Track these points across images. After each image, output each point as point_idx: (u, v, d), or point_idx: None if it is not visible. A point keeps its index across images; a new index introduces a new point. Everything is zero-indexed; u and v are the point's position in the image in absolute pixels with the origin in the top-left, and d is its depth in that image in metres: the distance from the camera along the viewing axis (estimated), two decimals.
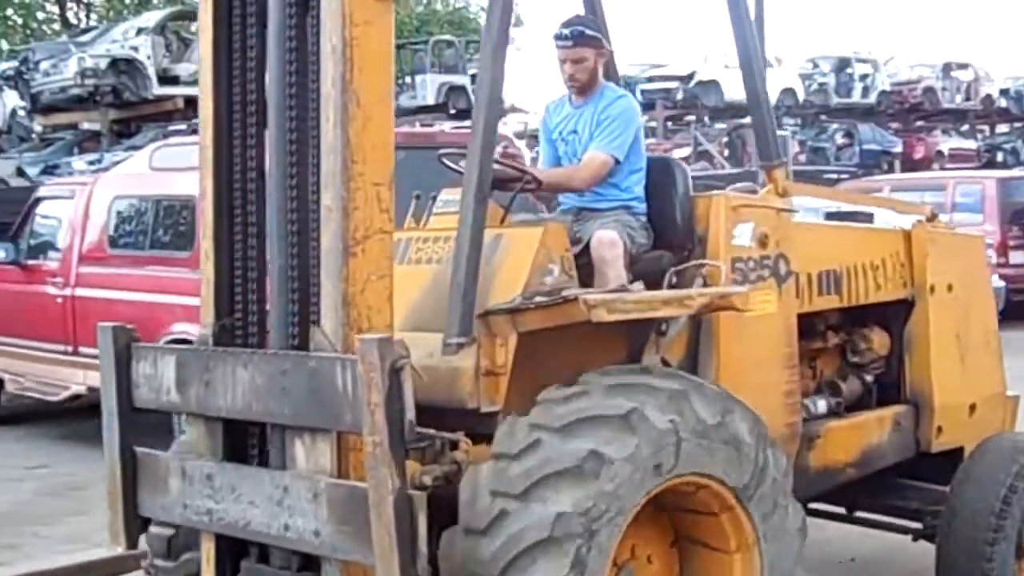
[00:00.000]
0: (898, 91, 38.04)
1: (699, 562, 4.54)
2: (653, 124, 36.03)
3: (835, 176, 28.04)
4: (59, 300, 10.99)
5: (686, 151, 33.52)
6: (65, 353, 10.82)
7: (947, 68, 38.51)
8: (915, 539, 5.91)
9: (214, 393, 4.31)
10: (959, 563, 5.46)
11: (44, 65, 27.13)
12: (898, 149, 35.90)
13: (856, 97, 37.04)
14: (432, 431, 4.30)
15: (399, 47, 34.05)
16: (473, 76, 32.93)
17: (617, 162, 5.12)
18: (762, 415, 5.06)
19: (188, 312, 8.89)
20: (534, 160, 6.37)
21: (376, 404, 3.74)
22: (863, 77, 37.16)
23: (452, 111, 31.74)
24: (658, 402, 4.20)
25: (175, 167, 10.22)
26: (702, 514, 4.46)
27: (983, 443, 5.77)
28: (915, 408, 5.92)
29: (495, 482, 3.97)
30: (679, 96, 35.14)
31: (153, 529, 4.86)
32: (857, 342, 5.89)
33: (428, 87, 31.93)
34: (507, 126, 33.32)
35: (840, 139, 35.58)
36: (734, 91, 34.45)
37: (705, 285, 5.01)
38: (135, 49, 26.72)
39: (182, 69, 26.41)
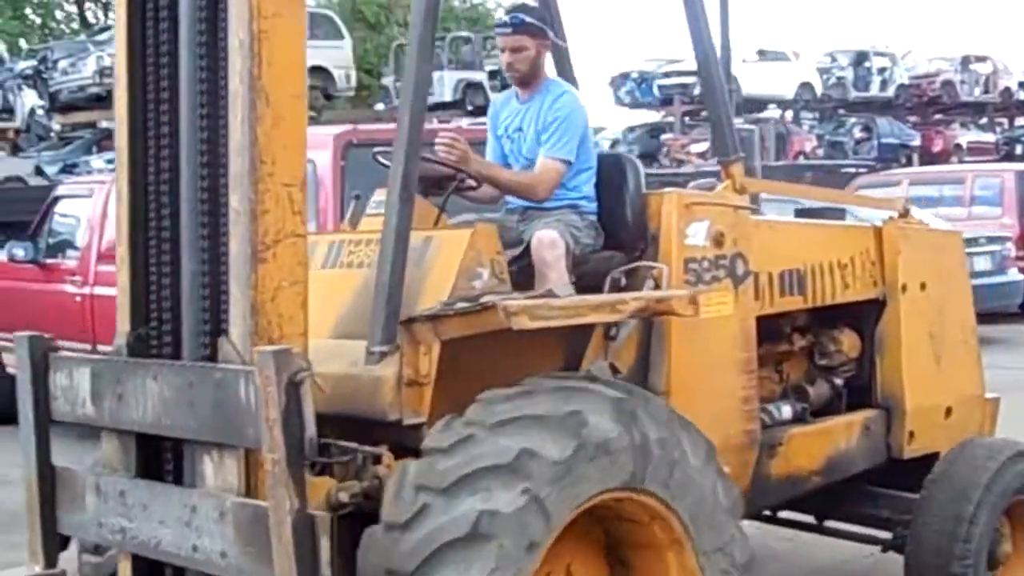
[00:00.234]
0: (916, 84, 37.50)
1: None
2: (671, 119, 35.78)
3: (853, 170, 27.71)
4: (78, 299, 10.85)
5: (704, 146, 33.27)
6: (84, 351, 10.64)
7: (966, 61, 37.96)
8: (884, 550, 5.60)
9: (127, 406, 4.05)
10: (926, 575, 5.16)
11: (63, 64, 27.19)
12: (916, 143, 35.39)
13: (874, 91, 36.56)
14: (354, 445, 4.06)
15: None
16: (491, 73, 32.75)
17: (569, 164, 4.84)
18: (717, 422, 4.84)
19: None
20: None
21: (273, 420, 3.48)
22: (881, 71, 36.67)
23: (470, 108, 31.51)
24: (602, 409, 3.96)
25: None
26: (647, 547, 4.21)
27: (955, 448, 5.46)
28: (886, 412, 5.61)
29: (421, 477, 3.72)
30: (696, 91, 34.54)
31: (84, 556, 4.65)
32: (825, 344, 5.59)
33: (445, 84, 31.64)
34: None
35: (858, 133, 35.15)
36: (751, 85, 34.18)
37: (656, 287, 4.74)
38: None
39: None
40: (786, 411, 5.36)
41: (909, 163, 32.55)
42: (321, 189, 8.77)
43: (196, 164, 3.98)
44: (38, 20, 33.53)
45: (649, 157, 33.18)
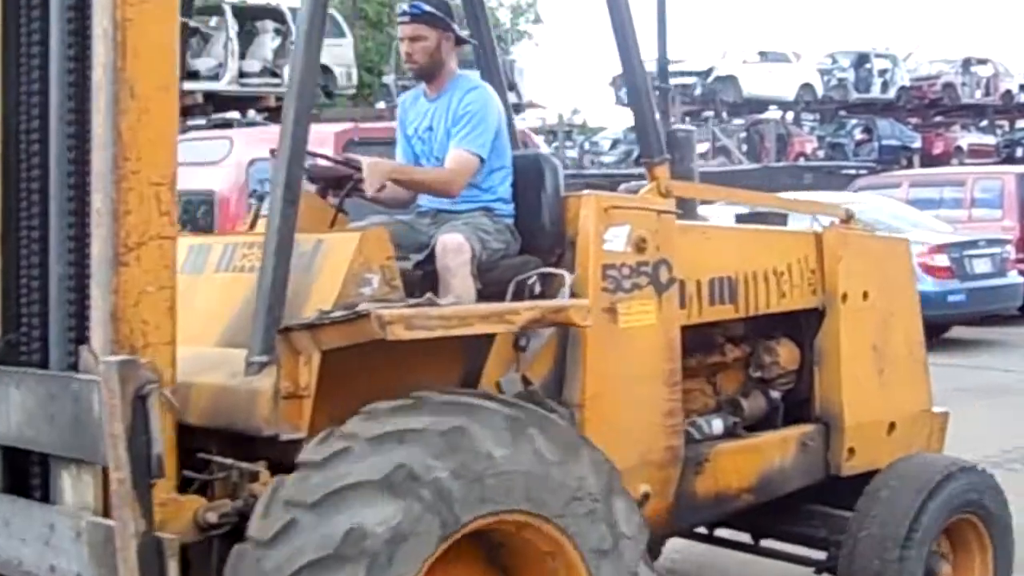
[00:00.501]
0: (917, 86, 37.05)
1: None
2: (672, 119, 35.43)
3: (854, 172, 27.47)
4: None
5: (704, 147, 32.96)
6: None
7: (967, 63, 37.51)
8: (818, 572, 5.27)
9: None
10: None
11: None
12: (917, 145, 34.98)
13: (875, 92, 36.09)
14: (230, 461, 3.79)
15: None
16: None
17: (481, 161, 4.55)
18: (637, 437, 4.58)
19: None
20: None
21: (117, 436, 3.20)
22: (882, 72, 36.22)
23: None
24: (492, 426, 3.69)
25: (194, 161, 9.86)
26: None
27: (890, 465, 5.16)
28: (825, 427, 5.31)
29: (292, 491, 3.45)
30: (697, 91, 34.34)
31: None
32: (761, 355, 5.29)
33: None
34: (525, 122, 32.81)
35: (859, 134, 34.78)
36: (752, 87, 33.88)
37: (572, 295, 4.45)
38: None
39: (201, 64, 26.04)
40: (717, 425, 5.07)
41: (910, 165, 32.19)
42: None
43: (64, 161, 3.72)
44: None
45: None
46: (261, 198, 4.75)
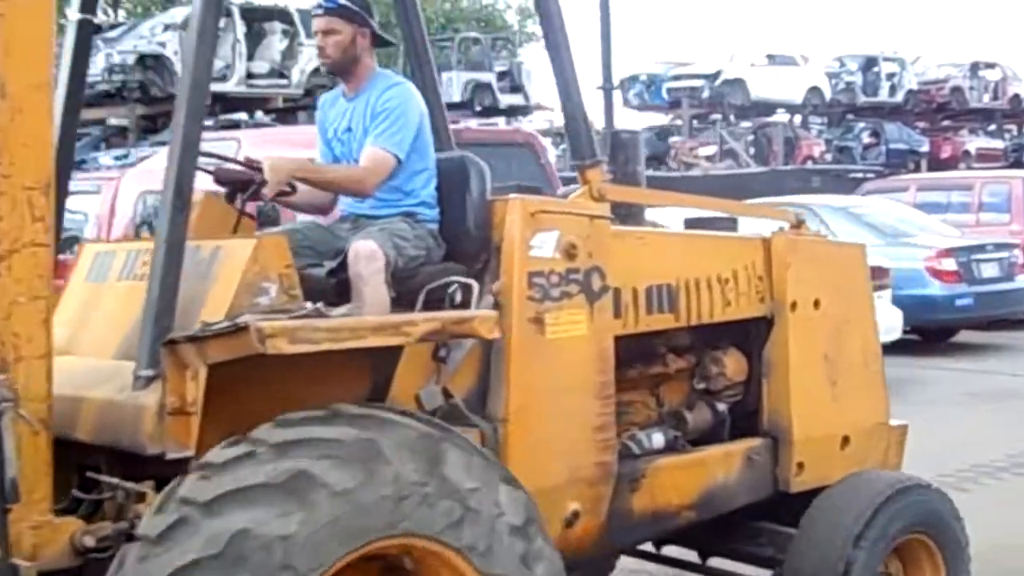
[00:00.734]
0: (925, 90, 36.75)
1: None
2: (679, 122, 35.17)
3: (861, 175, 27.17)
4: None
5: (712, 149, 32.71)
6: None
7: (975, 67, 37.18)
8: None
9: None
10: None
11: None
12: (925, 148, 34.70)
13: (883, 96, 35.81)
14: (116, 480, 3.55)
15: None
16: (499, 73, 32.18)
17: (399, 161, 4.30)
18: (565, 452, 4.32)
19: None
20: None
21: None
22: (890, 76, 35.91)
23: (478, 108, 30.97)
24: (403, 445, 3.48)
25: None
26: None
27: (840, 482, 4.89)
28: (773, 441, 5.02)
29: (188, 489, 3.27)
30: (705, 94, 34.12)
31: None
32: (708, 366, 5.01)
33: (454, 84, 31.07)
34: (532, 124, 32.56)
35: (866, 138, 34.49)
36: (760, 89, 33.61)
37: (496, 304, 4.21)
38: (162, 45, 26.41)
39: None
40: (657, 439, 4.79)
41: (917, 169, 31.90)
42: None
43: None
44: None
45: (657, 160, 32.66)
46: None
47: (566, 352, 4.32)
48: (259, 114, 27.44)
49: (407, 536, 3.48)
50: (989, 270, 14.85)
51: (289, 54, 27.64)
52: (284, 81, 27.36)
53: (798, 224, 5.22)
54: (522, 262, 4.24)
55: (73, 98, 4.27)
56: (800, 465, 5.01)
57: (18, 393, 3.16)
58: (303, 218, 4.72)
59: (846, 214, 15.25)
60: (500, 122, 29.06)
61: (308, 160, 4.43)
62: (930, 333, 15.03)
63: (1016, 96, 37.53)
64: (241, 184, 4.15)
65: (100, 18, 32.48)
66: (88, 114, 26.80)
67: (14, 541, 3.24)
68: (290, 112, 27.17)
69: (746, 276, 4.97)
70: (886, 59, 36.26)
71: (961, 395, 11.60)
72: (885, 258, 12.94)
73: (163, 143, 20.42)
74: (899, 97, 36.02)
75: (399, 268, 4.12)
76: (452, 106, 29.72)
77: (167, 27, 26.66)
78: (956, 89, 36.66)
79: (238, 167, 4.15)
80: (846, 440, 5.17)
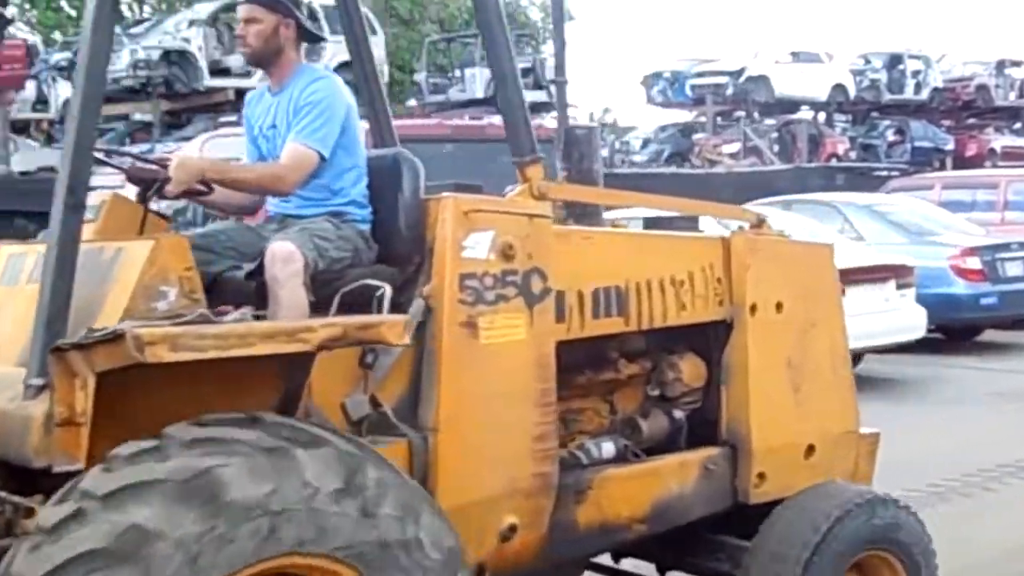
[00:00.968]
0: (951, 88, 36.24)
1: None
2: (703, 119, 34.81)
3: (886, 173, 26.86)
4: None
5: (736, 147, 32.35)
6: None
7: (1001, 65, 36.64)
8: None
9: None
10: None
11: None
12: (950, 146, 34.23)
13: (908, 94, 35.33)
14: (3, 494, 3.33)
15: (448, 40, 33.08)
16: (523, 70, 31.88)
17: (323, 158, 4.06)
18: (501, 463, 4.08)
19: None
20: None
21: None
22: (915, 73, 35.42)
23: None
24: (322, 459, 3.29)
25: (225, 158, 9.56)
26: None
27: (798, 493, 4.62)
28: (732, 450, 4.75)
29: (89, 481, 3.10)
30: (729, 91, 33.70)
31: None
32: (665, 372, 4.74)
33: (477, 80, 30.82)
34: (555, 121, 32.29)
35: (891, 136, 34.06)
36: (784, 87, 33.21)
37: (428, 308, 3.96)
38: (187, 41, 26.42)
39: (233, 61, 25.85)
40: (607, 448, 4.54)
41: (942, 167, 31.48)
42: None
43: None
44: (73, 12, 33.17)
45: (681, 157, 32.35)
46: None
47: (502, 358, 4.07)
48: None
49: (314, 556, 3.26)
50: (1014, 269, 14.61)
51: (312, 50, 27.49)
52: None
53: (759, 223, 4.93)
54: (454, 263, 3.99)
55: None
56: (761, 475, 4.74)
57: None
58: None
59: (870, 212, 15.11)
60: None
61: (223, 159, 4.20)
62: (955, 332, 14.81)
63: None
64: (151, 183, 3.91)
65: (125, 13, 32.55)
66: (113, 109, 26.87)
67: None
68: None
69: (703, 278, 4.70)
70: (911, 56, 35.78)
71: (986, 394, 11.39)
72: (910, 256, 12.81)
73: (187, 138, 20.37)
74: (924, 95, 35.54)
75: (320, 270, 3.88)
76: (475, 102, 29.58)
77: (192, 23, 26.67)
78: (982, 87, 36.15)
79: (148, 165, 3.92)
80: (811, 449, 4.89)
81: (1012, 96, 36.56)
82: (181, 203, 4.42)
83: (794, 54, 34.34)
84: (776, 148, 32.54)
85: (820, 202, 15.84)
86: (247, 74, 25.55)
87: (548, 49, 37.15)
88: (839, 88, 34.33)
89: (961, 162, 32.72)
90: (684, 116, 36.71)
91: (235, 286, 3.94)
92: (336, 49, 28.32)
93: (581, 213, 4.68)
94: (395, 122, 11.06)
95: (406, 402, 4.00)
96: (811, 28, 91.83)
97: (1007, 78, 36.53)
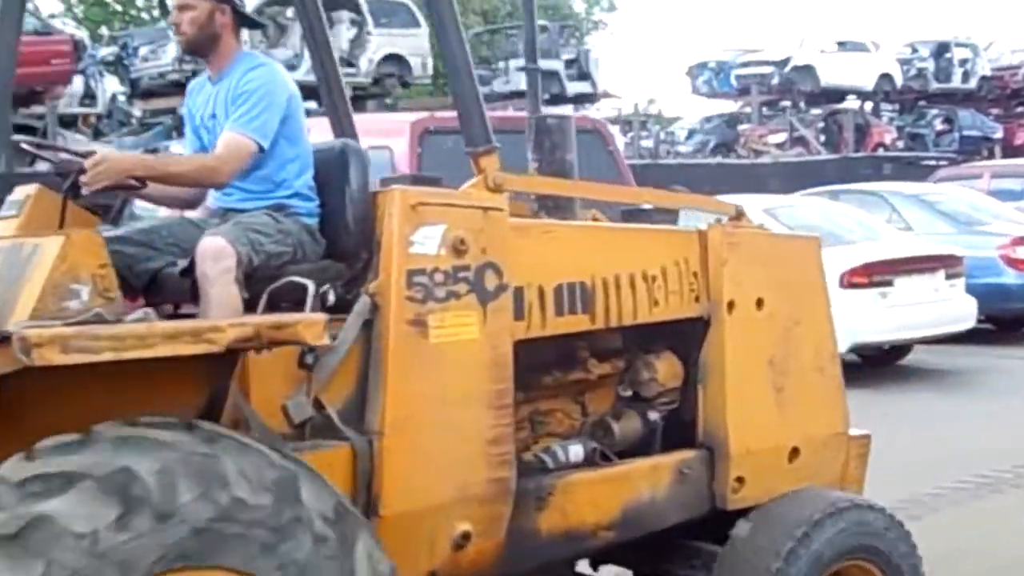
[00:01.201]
0: (999, 76, 35.51)
1: None
2: (748, 110, 34.36)
3: (934, 163, 26.40)
4: None
5: (782, 137, 31.90)
6: None
7: None
8: None
9: None
10: None
11: (143, 51, 26.90)
12: (999, 135, 33.57)
13: (956, 82, 34.66)
14: None
15: (492, 32, 32.83)
16: (567, 61, 31.61)
17: (261, 148, 3.84)
18: (452, 468, 3.85)
19: None
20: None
21: None
22: (963, 62, 34.76)
23: (546, 96, 30.36)
24: (244, 464, 3.09)
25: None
26: None
27: (774, 499, 4.36)
28: (709, 453, 4.49)
29: (7, 467, 2.95)
30: (774, 81, 33.21)
31: None
32: (639, 371, 4.49)
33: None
34: (600, 112, 31.96)
35: (939, 125, 33.43)
36: (830, 76, 32.71)
37: (374, 307, 3.74)
38: None
39: (278, 55, 25.67)
40: (575, 452, 4.29)
41: (991, 156, 30.94)
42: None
43: None
44: (119, 8, 33.27)
45: (727, 147, 31.95)
46: None
47: (453, 358, 3.84)
48: None
49: (229, 572, 3.05)
50: None
51: (357, 43, 27.44)
52: (352, 70, 27.13)
53: (738, 216, 4.66)
54: (401, 259, 3.76)
55: None
56: (740, 480, 4.48)
57: None
58: None
59: (919, 202, 14.87)
60: (568, 110, 28.55)
61: (161, 153, 3.99)
62: (1005, 322, 14.56)
63: None
64: (76, 177, 3.71)
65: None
66: (159, 103, 26.93)
67: None
68: (358, 100, 26.95)
69: (677, 273, 4.44)
70: (958, 45, 35.12)
71: None
72: (959, 246, 12.60)
73: None
74: (972, 83, 34.87)
75: (256, 266, 3.67)
76: (519, 94, 29.31)
77: None
78: None
79: (69, 156, 3.71)
80: (795, 452, 4.62)
81: None
82: None
83: (840, 43, 33.82)
84: (822, 138, 32.08)
85: (868, 192, 15.58)
86: (292, 67, 25.49)
87: (592, 41, 36.93)
88: (886, 77, 33.72)
89: (1010, 151, 32.13)
90: (729, 106, 36.25)
91: (173, 283, 3.75)
92: (381, 42, 28.33)
93: (554, 206, 4.41)
94: (439, 114, 10.98)
95: (353, 404, 3.78)
96: (857, 17, 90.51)
97: None
